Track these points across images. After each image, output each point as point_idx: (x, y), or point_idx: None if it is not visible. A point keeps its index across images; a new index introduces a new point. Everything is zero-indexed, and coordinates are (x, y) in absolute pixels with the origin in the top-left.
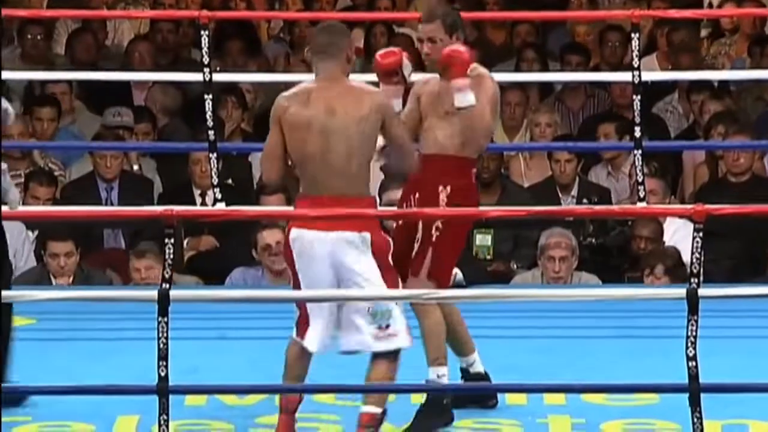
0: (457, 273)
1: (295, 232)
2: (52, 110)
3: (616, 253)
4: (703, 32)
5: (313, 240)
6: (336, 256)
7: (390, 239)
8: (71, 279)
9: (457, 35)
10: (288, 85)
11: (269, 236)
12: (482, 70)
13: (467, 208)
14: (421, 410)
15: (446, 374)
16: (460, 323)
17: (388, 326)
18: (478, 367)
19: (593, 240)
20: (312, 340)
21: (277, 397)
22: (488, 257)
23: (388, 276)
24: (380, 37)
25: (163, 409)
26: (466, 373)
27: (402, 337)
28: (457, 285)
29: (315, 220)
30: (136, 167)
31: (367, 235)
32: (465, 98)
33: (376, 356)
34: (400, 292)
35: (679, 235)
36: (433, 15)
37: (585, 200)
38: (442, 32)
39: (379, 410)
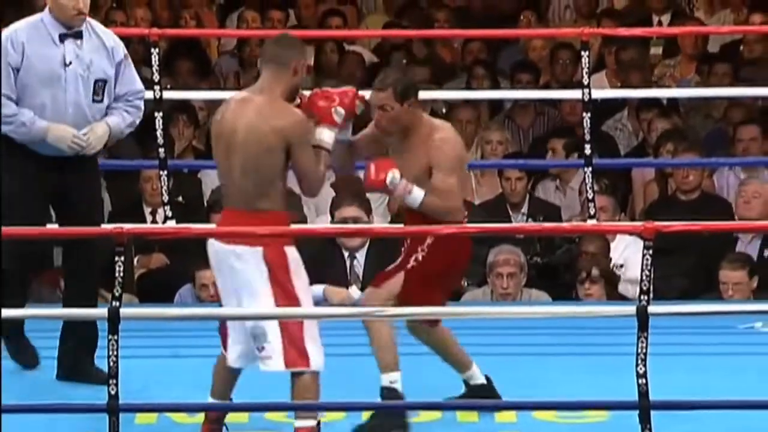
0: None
1: (209, 242)
2: None
3: (563, 270)
4: (653, 50)
5: (218, 251)
6: (231, 269)
7: (292, 255)
8: None
9: (409, 102)
10: None
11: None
12: (444, 133)
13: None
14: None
15: (398, 380)
16: (454, 344)
17: (263, 348)
18: (478, 379)
19: (539, 259)
20: (230, 354)
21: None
22: None
23: (282, 291)
24: (331, 55)
25: (114, 428)
26: (466, 385)
27: (275, 361)
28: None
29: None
30: None
31: (260, 249)
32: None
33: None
34: (353, 309)
35: (629, 251)
36: (384, 83)
37: (531, 219)
38: (392, 100)
39: (312, 422)
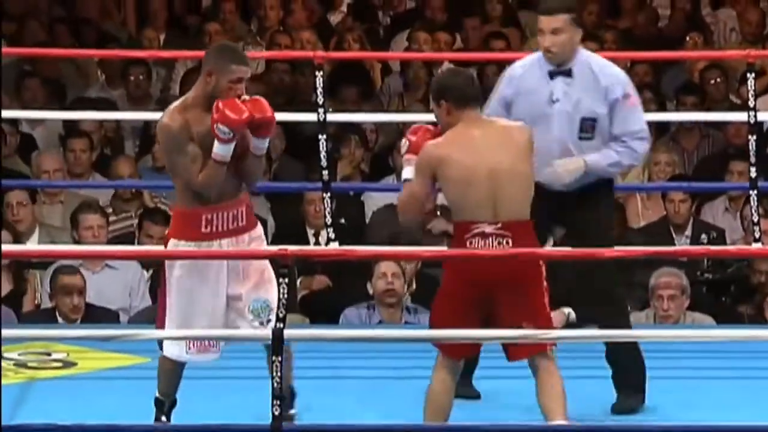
0: (570, 312)
1: None
2: (82, 141)
3: (735, 288)
4: None
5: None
6: None
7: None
8: None
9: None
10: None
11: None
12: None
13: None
14: None
15: None
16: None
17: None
18: None
19: (709, 276)
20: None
21: None
22: None
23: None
24: (493, 78)
25: None
26: None
27: None
28: (570, 324)
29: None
30: None
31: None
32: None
33: None
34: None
35: None
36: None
37: (703, 235)
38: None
39: None
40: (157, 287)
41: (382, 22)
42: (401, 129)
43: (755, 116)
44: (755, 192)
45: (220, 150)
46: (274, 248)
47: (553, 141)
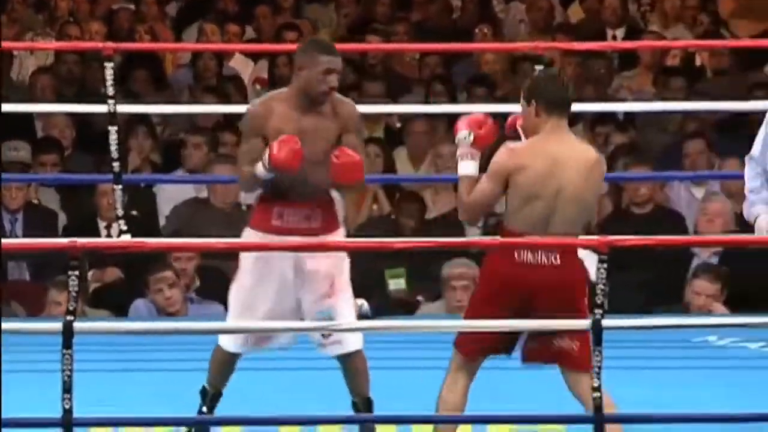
0: (363, 304)
1: None
2: None
3: None
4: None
5: None
6: None
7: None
8: None
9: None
10: (193, 116)
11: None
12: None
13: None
14: None
15: None
16: None
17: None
18: None
19: None
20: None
21: (182, 430)
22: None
23: None
24: (283, 68)
25: None
26: None
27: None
28: (363, 316)
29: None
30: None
31: None
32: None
33: None
34: None
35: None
36: None
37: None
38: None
39: None
40: None
41: (172, 13)
42: (192, 120)
43: None
44: None
45: (259, 170)
46: (65, 240)
47: None
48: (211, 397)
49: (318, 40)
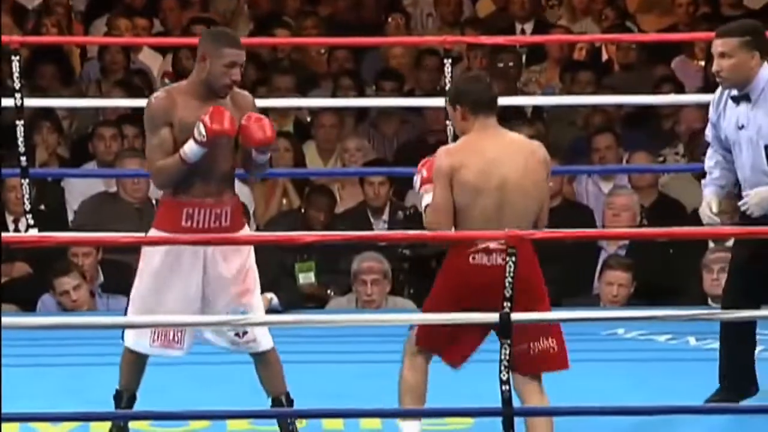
0: (273, 298)
1: None
2: None
3: (436, 263)
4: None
5: None
6: None
7: None
8: None
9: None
10: (101, 110)
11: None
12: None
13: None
14: None
15: None
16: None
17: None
18: None
19: (408, 251)
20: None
21: (90, 425)
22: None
23: None
24: (186, 62)
25: None
26: None
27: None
28: (273, 310)
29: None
30: None
31: None
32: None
33: None
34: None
35: None
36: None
37: (399, 212)
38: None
39: None
40: None
41: (80, 7)
42: (99, 114)
43: None
44: None
45: (190, 149)
46: None
47: (744, 168)
48: (126, 399)
49: (223, 30)
